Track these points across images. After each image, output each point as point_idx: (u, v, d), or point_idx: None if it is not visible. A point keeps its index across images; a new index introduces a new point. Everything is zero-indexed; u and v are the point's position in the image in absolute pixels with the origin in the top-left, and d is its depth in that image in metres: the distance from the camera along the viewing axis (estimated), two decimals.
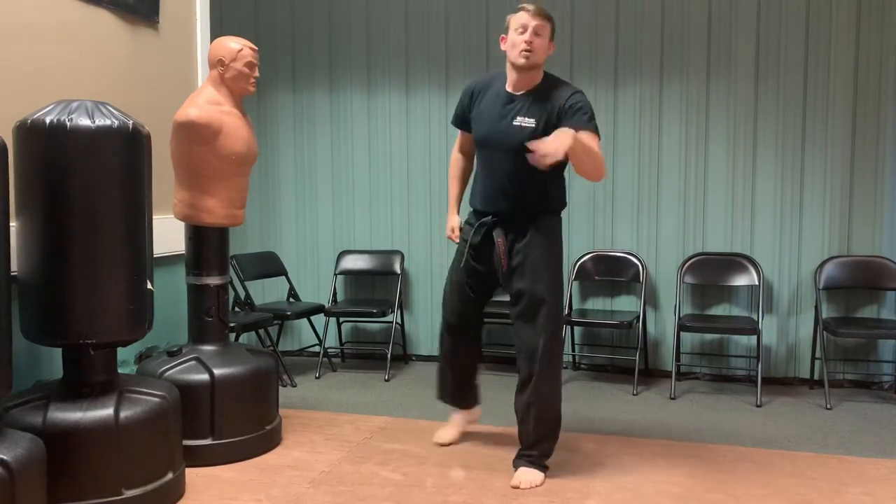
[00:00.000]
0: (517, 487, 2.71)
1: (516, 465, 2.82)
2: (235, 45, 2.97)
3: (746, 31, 4.14)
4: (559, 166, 2.69)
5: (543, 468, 2.80)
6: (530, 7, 2.72)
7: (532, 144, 2.50)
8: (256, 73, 3.03)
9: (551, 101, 2.73)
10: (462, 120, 2.99)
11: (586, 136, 2.60)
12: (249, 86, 3.02)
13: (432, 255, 4.70)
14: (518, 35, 2.70)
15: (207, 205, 2.97)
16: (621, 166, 4.37)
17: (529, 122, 2.73)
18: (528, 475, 2.75)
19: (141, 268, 2.47)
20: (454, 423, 3.22)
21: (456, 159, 3.13)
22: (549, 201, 2.86)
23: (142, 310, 2.48)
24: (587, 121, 2.68)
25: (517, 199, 2.80)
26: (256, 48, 3.04)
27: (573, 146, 2.46)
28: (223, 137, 2.91)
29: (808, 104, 4.09)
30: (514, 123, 2.74)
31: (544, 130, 2.67)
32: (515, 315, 2.82)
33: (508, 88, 2.81)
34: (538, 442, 2.80)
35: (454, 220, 3.09)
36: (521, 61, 2.70)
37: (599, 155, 2.66)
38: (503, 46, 2.79)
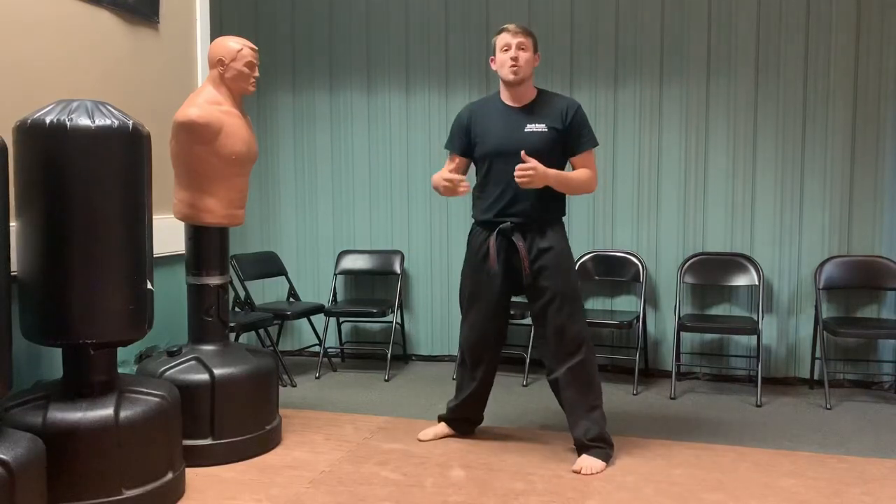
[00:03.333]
0: (579, 472, 2.83)
1: (580, 453, 2.93)
2: (235, 45, 2.97)
3: (746, 31, 4.14)
4: (561, 168, 2.95)
5: (607, 456, 2.91)
6: (511, 27, 2.92)
7: (526, 158, 2.75)
8: (256, 73, 3.03)
9: (553, 108, 2.93)
10: (457, 143, 3.05)
11: (582, 158, 2.95)
12: (249, 86, 3.02)
13: (432, 255, 4.70)
14: (504, 53, 2.89)
15: (207, 205, 2.97)
16: (621, 167, 4.37)
17: (541, 126, 2.90)
18: (589, 461, 2.87)
19: (141, 268, 2.47)
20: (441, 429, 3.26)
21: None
22: (560, 205, 3.01)
23: (142, 310, 2.48)
24: (589, 138, 2.95)
25: (535, 204, 2.92)
26: (256, 48, 3.04)
27: (550, 181, 2.82)
28: (223, 137, 2.91)
29: (808, 104, 4.09)
30: (527, 130, 2.89)
31: (555, 134, 2.89)
32: (550, 312, 2.91)
33: (508, 103, 2.97)
34: (601, 429, 2.93)
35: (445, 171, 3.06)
36: (511, 77, 2.88)
37: (578, 180, 2.93)
38: (493, 67, 2.97)
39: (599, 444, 2.91)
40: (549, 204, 2.94)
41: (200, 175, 2.94)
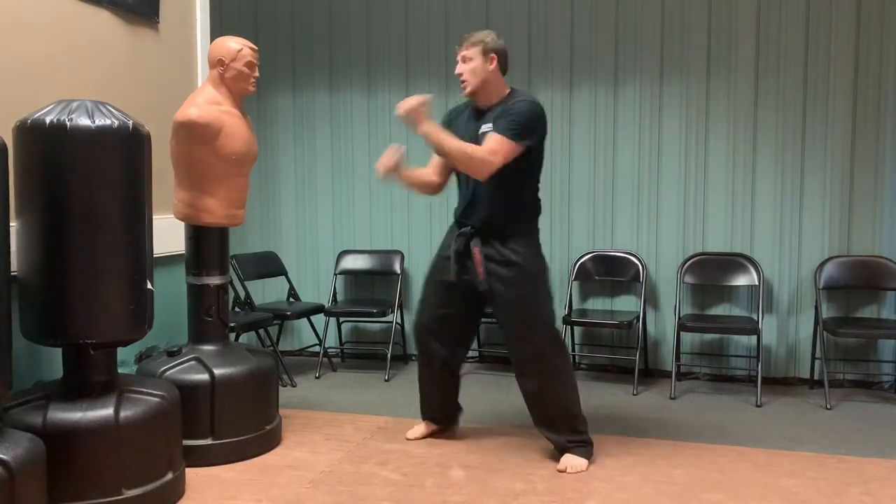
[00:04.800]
0: (564, 471, 2.84)
1: (561, 453, 2.93)
2: (235, 45, 2.97)
3: (746, 31, 4.14)
4: (528, 174, 2.91)
5: (588, 454, 2.91)
6: (462, 39, 2.91)
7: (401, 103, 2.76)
8: (256, 73, 3.03)
9: (505, 107, 2.84)
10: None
11: (491, 141, 2.77)
12: (249, 86, 3.02)
13: (432, 256, 4.67)
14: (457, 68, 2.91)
15: (207, 205, 2.97)
16: (621, 167, 4.37)
17: (489, 127, 2.84)
18: (573, 460, 2.88)
19: (141, 268, 2.47)
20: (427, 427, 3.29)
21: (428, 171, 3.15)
22: (524, 212, 2.96)
23: (142, 310, 2.48)
24: (507, 124, 2.78)
25: (494, 210, 2.90)
26: (256, 48, 3.04)
27: (423, 130, 2.77)
28: (223, 137, 2.91)
29: (808, 104, 4.09)
30: (480, 132, 2.86)
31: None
32: (506, 321, 2.93)
33: (476, 106, 2.95)
34: (573, 431, 2.93)
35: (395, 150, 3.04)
36: (463, 91, 2.92)
37: (451, 147, 2.78)
38: None
39: (578, 444, 2.91)
40: (511, 210, 2.91)
41: (200, 175, 2.94)
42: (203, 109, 2.88)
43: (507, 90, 2.92)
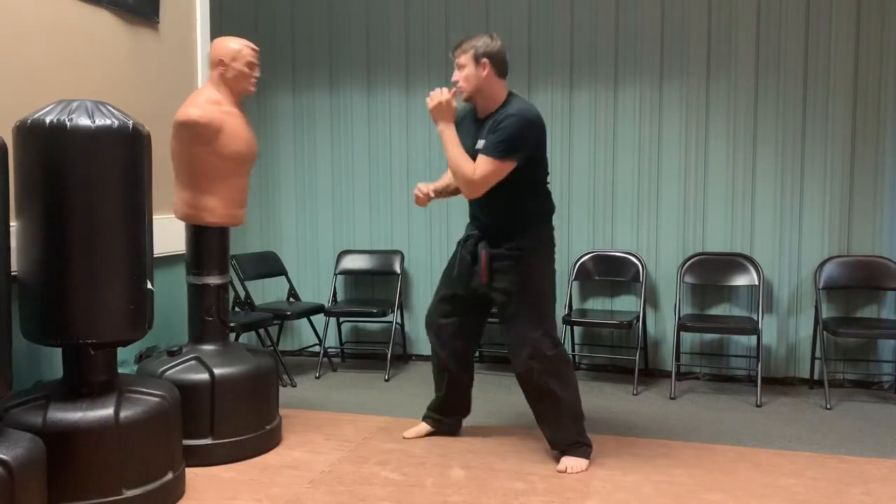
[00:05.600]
0: (564, 472, 2.84)
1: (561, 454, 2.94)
2: (236, 45, 2.98)
3: (746, 31, 4.14)
4: (532, 187, 2.91)
5: (587, 454, 2.91)
6: (454, 47, 2.94)
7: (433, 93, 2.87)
8: (257, 73, 3.04)
9: (496, 122, 2.81)
10: None
11: (479, 164, 2.77)
12: (250, 85, 3.03)
13: (432, 255, 4.70)
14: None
15: (208, 204, 2.97)
16: (621, 166, 4.37)
17: (482, 144, 2.84)
18: (573, 461, 2.88)
19: (141, 268, 2.47)
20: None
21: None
22: (531, 214, 2.94)
23: (142, 310, 2.48)
24: (493, 143, 2.76)
25: (496, 217, 2.93)
26: (257, 48, 3.04)
27: (441, 128, 2.85)
28: (224, 137, 2.91)
29: (808, 104, 4.09)
30: (477, 147, 2.85)
31: None
32: (505, 316, 2.94)
33: (478, 115, 2.94)
34: (569, 432, 2.93)
35: (426, 186, 3.09)
36: (459, 97, 2.92)
37: (454, 157, 2.82)
38: None
39: (577, 444, 2.91)
40: (516, 218, 2.90)
41: (201, 175, 2.94)
42: (203, 109, 2.88)
43: (505, 95, 2.89)
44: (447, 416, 3.25)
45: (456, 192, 3.10)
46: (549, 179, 3.01)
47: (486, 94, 2.87)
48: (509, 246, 2.88)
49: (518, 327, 2.89)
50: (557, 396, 2.88)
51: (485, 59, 2.82)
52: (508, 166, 2.76)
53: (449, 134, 2.85)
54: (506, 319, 2.95)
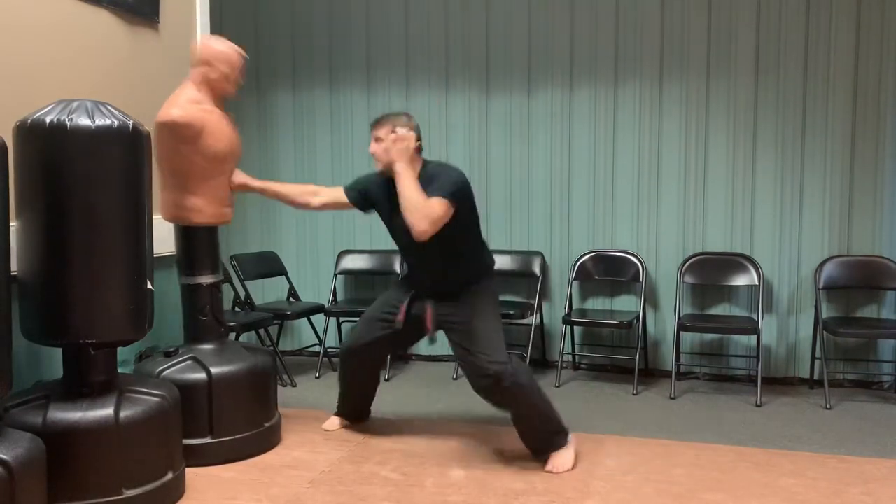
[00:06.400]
0: (552, 472, 2.85)
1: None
2: (223, 48, 2.98)
3: (746, 30, 4.14)
4: (469, 235, 3.01)
5: (566, 444, 2.92)
6: (372, 122, 3.04)
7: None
8: (241, 79, 3.03)
9: (422, 180, 2.87)
10: (355, 194, 3.17)
11: (434, 200, 2.79)
12: (232, 89, 3.02)
13: None
14: None
15: (195, 204, 2.96)
16: (621, 166, 4.37)
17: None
18: (559, 460, 2.88)
19: (141, 268, 2.47)
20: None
21: (315, 190, 3.29)
22: (471, 268, 3.03)
23: (142, 310, 2.48)
24: (438, 187, 2.82)
25: (438, 276, 3.02)
26: (245, 55, 3.04)
27: (401, 167, 2.83)
28: (206, 136, 2.90)
29: (808, 104, 4.09)
30: (400, 216, 2.87)
31: None
32: (455, 342, 2.98)
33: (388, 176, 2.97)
34: (544, 438, 2.93)
35: (241, 177, 3.15)
36: (374, 168, 3.03)
37: (410, 195, 2.80)
38: None
39: (554, 441, 2.91)
40: (460, 269, 2.99)
41: (185, 175, 2.93)
42: (185, 109, 2.87)
43: (421, 162, 2.97)
44: (355, 412, 3.41)
45: (284, 199, 3.27)
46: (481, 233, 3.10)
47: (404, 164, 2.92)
48: (457, 287, 2.97)
49: (470, 360, 2.89)
50: (523, 412, 2.88)
51: (396, 130, 2.93)
52: (452, 208, 2.82)
53: (410, 173, 2.85)
54: (458, 349, 2.97)
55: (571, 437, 2.94)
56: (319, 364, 4.46)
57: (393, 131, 2.91)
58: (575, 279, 4.39)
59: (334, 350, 4.78)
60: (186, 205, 2.96)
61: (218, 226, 3.10)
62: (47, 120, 2.27)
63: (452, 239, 2.88)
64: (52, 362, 2.68)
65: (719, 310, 4.29)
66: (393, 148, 2.87)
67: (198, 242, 3.04)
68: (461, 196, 2.87)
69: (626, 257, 4.35)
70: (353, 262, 4.75)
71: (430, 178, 2.88)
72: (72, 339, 2.35)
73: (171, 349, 2.99)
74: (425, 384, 4.21)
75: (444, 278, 3.01)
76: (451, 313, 2.97)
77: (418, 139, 2.95)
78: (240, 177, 3.13)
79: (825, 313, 4.03)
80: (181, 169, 2.92)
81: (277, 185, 3.33)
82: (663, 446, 3.15)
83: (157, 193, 3.01)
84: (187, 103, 2.90)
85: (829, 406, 3.73)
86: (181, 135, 2.86)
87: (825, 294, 4.06)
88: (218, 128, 2.95)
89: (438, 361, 4.69)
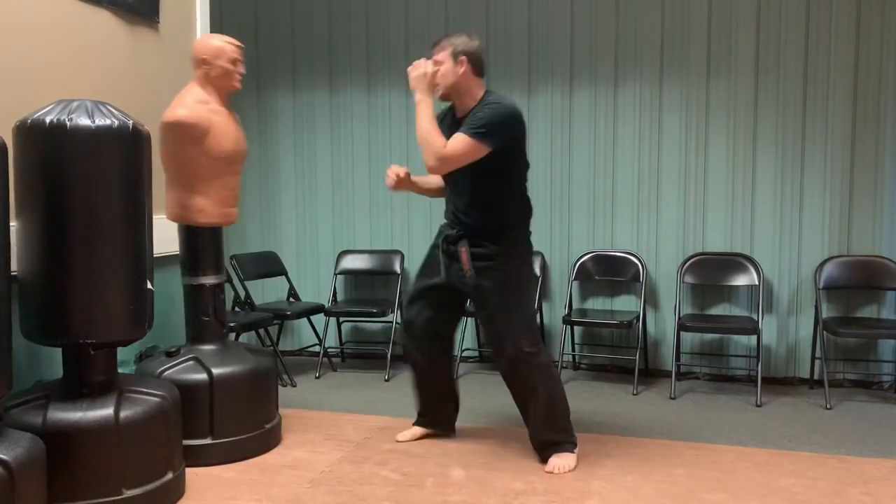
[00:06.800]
0: (552, 472, 2.83)
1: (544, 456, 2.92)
2: (217, 42, 2.97)
3: (746, 30, 4.14)
4: (512, 182, 2.89)
5: (573, 450, 2.90)
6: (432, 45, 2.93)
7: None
8: (241, 70, 3.02)
9: (474, 114, 2.81)
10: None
11: (455, 137, 2.74)
12: (235, 82, 3.01)
13: None
14: None
15: (200, 204, 2.96)
16: (621, 166, 4.37)
17: None
18: (560, 460, 2.86)
19: (141, 268, 2.47)
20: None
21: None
22: (511, 216, 2.93)
23: (142, 310, 2.48)
24: (470, 124, 2.75)
25: (475, 216, 2.90)
26: (240, 44, 3.03)
27: (418, 98, 2.80)
28: (212, 136, 2.90)
29: (808, 104, 4.09)
30: None
31: None
32: (483, 319, 2.97)
33: (457, 115, 2.93)
34: (554, 433, 2.91)
35: (398, 168, 3.04)
36: (435, 95, 2.88)
37: (422, 131, 2.78)
38: None
39: (562, 443, 2.91)
40: (494, 218, 2.89)
41: (191, 175, 2.93)
42: (191, 109, 2.87)
43: (482, 93, 2.88)
44: (435, 414, 3.24)
45: (431, 192, 3.13)
46: (527, 181, 2.98)
47: (461, 92, 2.87)
48: (488, 246, 2.86)
49: (498, 326, 2.88)
50: (542, 393, 2.87)
51: (462, 57, 2.84)
52: (481, 150, 2.73)
53: (426, 105, 2.80)
54: (486, 319, 2.96)
55: (577, 451, 2.92)
56: (319, 364, 4.46)
57: (452, 55, 2.82)
58: (575, 279, 4.39)
59: (334, 350, 4.79)
60: (191, 205, 2.96)
61: (222, 226, 3.10)
62: (47, 120, 2.27)
63: (485, 184, 2.81)
64: (52, 362, 2.68)
65: (719, 310, 4.29)
66: (413, 76, 2.84)
67: (202, 243, 3.04)
68: (497, 139, 2.73)
69: (626, 257, 4.35)
70: (353, 262, 4.75)
71: (475, 112, 2.79)
72: (72, 339, 2.35)
73: (173, 349, 2.99)
74: None
75: (466, 217, 2.92)
76: (482, 274, 2.85)
77: (475, 63, 2.83)
78: (401, 169, 2.99)
79: (825, 313, 4.03)
80: (187, 169, 2.92)
81: (422, 178, 3.15)
82: (663, 446, 3.15)
83: (161, 193, 3.02)
84: (194, 103, 2.90)
85: (829, 406, 3.73)
86: (188, 135, 2.86)
87: (825, 294, 4.06)
88: (224, 128, 2.95)
89: None
